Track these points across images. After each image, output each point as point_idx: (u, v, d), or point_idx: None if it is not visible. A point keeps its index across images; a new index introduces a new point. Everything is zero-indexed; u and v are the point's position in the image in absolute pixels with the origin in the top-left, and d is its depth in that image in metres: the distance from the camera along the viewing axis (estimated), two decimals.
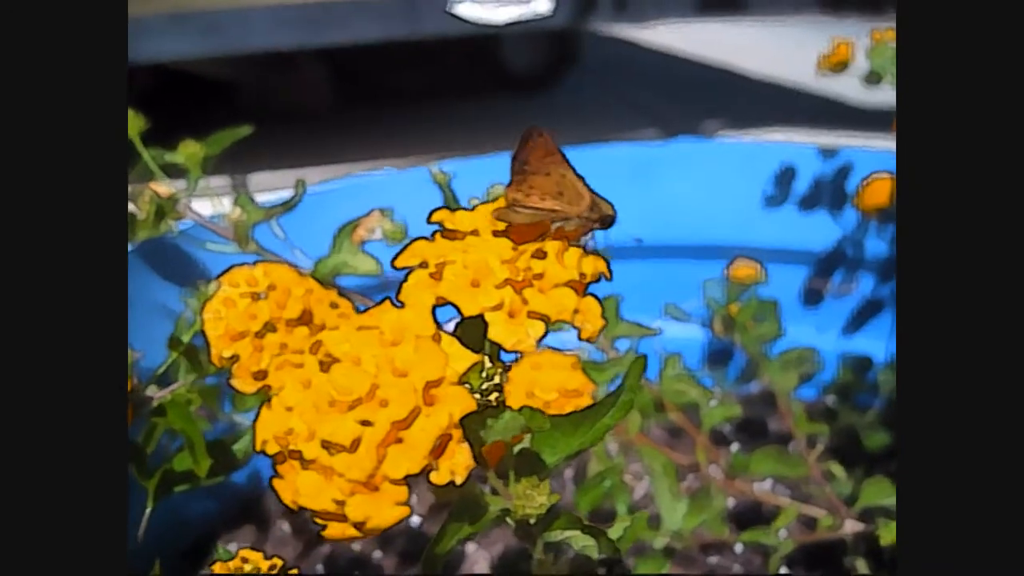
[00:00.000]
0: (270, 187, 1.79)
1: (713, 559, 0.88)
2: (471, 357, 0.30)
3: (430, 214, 0.33)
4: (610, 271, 0.32)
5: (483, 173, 0.80)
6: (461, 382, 0.29)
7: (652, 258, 1.20)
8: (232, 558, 0.37)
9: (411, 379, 0.28)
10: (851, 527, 0.75)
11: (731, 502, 0.96)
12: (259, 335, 0.47)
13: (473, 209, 0.33)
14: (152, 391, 0.56)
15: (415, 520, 0.96)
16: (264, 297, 0.47)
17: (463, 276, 0.30)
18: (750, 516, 0.94)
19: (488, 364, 0.30)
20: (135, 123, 0.72)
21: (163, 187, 0.73)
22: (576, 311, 0.31)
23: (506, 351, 0.31)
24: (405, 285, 0.31)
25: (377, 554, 0.93)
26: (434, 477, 0.28)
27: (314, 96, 2.50)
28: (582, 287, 0.32)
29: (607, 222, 0.34)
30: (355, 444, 0.28)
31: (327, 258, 0.68)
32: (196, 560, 0.91)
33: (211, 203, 0.76)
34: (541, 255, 0.31)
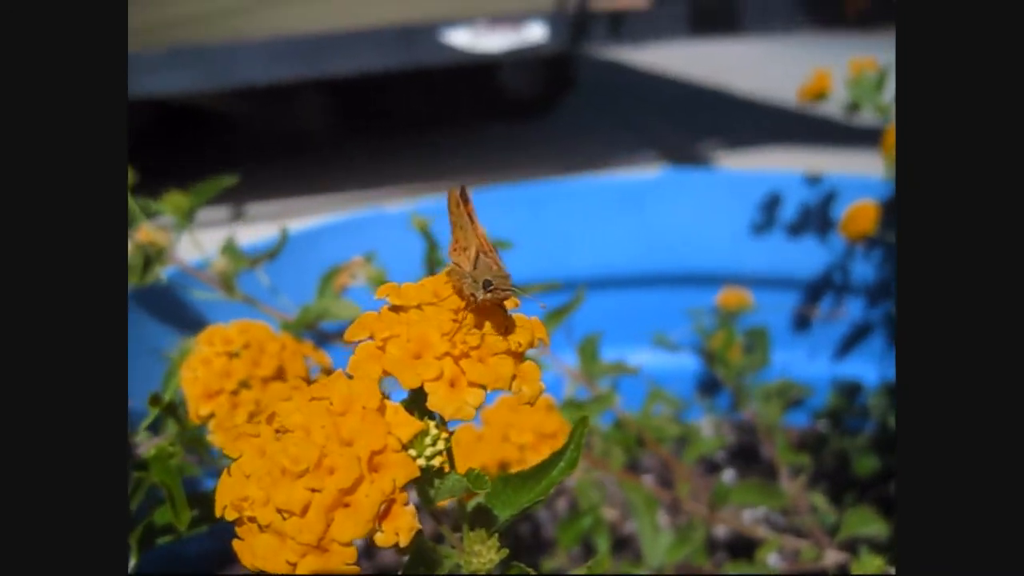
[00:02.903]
0: (269, 217, 1.81)
1: None
2: (416, 425, 0.31)
3: (379, 288, 0.34)
4: (547, 337, 0.34)
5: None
6: (407, 448, 0.31)
7: (642, 287, 1.21)
8: None
9: (356, 448, 0.30)
10: (832, 558, 0.76)
11: (721, 531, 0.97)
12: (235, 393, 0.48)
13: (418, 283, 0.34)
14: (143, 438, 0.58)
15: None
16: (239, 355, 0.49)
17: (406, 349, 0.32)
18: (740, 546, 0.95)
19: (433, 430, 0.32)
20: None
21: (151, 233, 0.75)
22: (514, 377, 0.33)
23: (447, 419, 0.32)
24: (353, 358, 0.33)
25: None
26: (379, 539, 0.30)
27: (311, 126, 2.53)
28: (520, 355, 0.33)
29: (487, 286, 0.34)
30: (305, 509, 0.29)
31: (311, 305, 0.70)
32: None
33: (198, 246, 0.78)
34: (479, 326, 0.33)
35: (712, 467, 1.12)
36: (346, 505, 0.30)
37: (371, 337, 0.33)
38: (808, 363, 1.19)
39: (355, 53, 1.95)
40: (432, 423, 0.32)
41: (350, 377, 0.32)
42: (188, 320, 0.85)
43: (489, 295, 0.33)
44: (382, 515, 0.30)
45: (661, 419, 0.78)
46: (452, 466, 0.32)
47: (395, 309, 0.34)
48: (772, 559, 0.86)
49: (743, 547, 0.94)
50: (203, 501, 0.54)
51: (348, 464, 0.29)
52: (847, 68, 1.07)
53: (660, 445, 0.76)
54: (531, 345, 0.34)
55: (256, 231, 0.78)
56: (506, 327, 0.33)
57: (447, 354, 0.32)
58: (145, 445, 0.57)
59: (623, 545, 0.91)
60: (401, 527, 0.30)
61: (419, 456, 0.31)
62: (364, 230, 0.98)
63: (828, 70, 1.11)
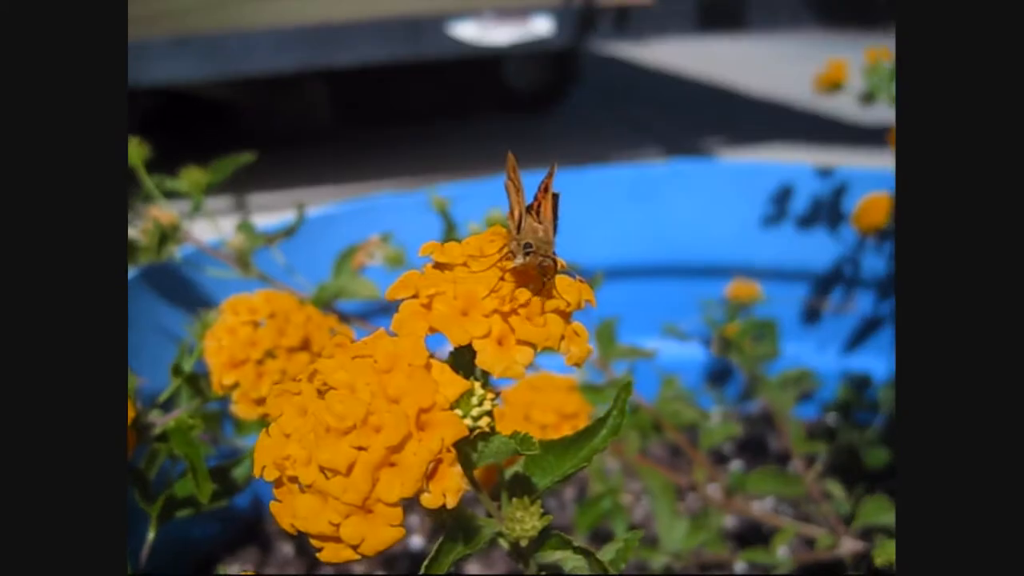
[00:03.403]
0: (272, 207, 1.81)
1: None
2: (462, 384, 0.31)
3: (423, 246, 0.34)
4: (594, 298, 0.33)
5: (483, 197, 0.81)
6: (452, 408, 0.30)
7: (652, 278, 1.21)
8: None
9: (403, 405, 0.29)
10: (849, 546, 0.76)
11: (731, 521, 0.96)
12: (260, 362, 0.48)
13: (463, 241, 0.34)
14: (155, 416, 0.57)
15: (418, 542, 0.96)
16: (264, 325, 0.48)
17: (453, 306, 0.31)
18: (750, 535, 0.94)
19: (479, 390, 0.31)
20: (138, 151, 0.73)
21: (165, 213, 0.74)
22: (563, 338, 0.32)
23: (495, 378, 0.32)
24: (398, 316, 0.32)
25: (380, 574, 0.94)
26: (426, 500, 0.29)
27: (316, 117, 2.52)
28: (568, 314, 0.33)
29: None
30: (350, 468, 0.29)
31: (328, 283, 0.69)
32: None
33: (212, 227, 0.77)
34: (524, 287, 0.32)
35: (720, 458, 1.11)
36: (393, 464, 0.29)
37: (415, 295, 0.32)
38: (817, 356, 1.18)
39: (361, 44, 1.95)
40: (478, 383, 0.31)
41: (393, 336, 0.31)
42: (200, 300, 0.84)
43: (528, 259, 0.33)
44: (429, 475, 0.29)
45: (677, 404, 0.77)
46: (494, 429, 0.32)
47: (439, 267, 0.33)
48: (783, 549, 0.85)
49: (754, 537, 0.94)
50: (222, 476, 0.53)
51: (396, 421, 0.29)
52: (862, 58, 1.07)
53: (676, 430, 0.76)
54: (579, 306, 0.33)
55: (260, 221, 0.78)
56: (550, 290, 0.33)
57: (496, 311, 0.31)
58: (159, 422, 0.57)
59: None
60: (449, 488, 0.29)
61: (465, 416, 0.30)
62: (380, 213, 0.97)
63: (843, 61, 1.11)
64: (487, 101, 2.63)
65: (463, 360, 0.32)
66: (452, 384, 0.30)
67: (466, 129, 2.55)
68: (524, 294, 0.32)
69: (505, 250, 0.33)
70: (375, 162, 2.25)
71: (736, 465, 1.10)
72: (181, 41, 1.84)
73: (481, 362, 0.31)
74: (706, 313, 1.08)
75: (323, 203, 1.01)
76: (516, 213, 0.34)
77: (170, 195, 0.75)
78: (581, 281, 0.34)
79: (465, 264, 0.33)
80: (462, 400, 0.31)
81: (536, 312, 0.32)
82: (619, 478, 0.76)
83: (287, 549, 0.97)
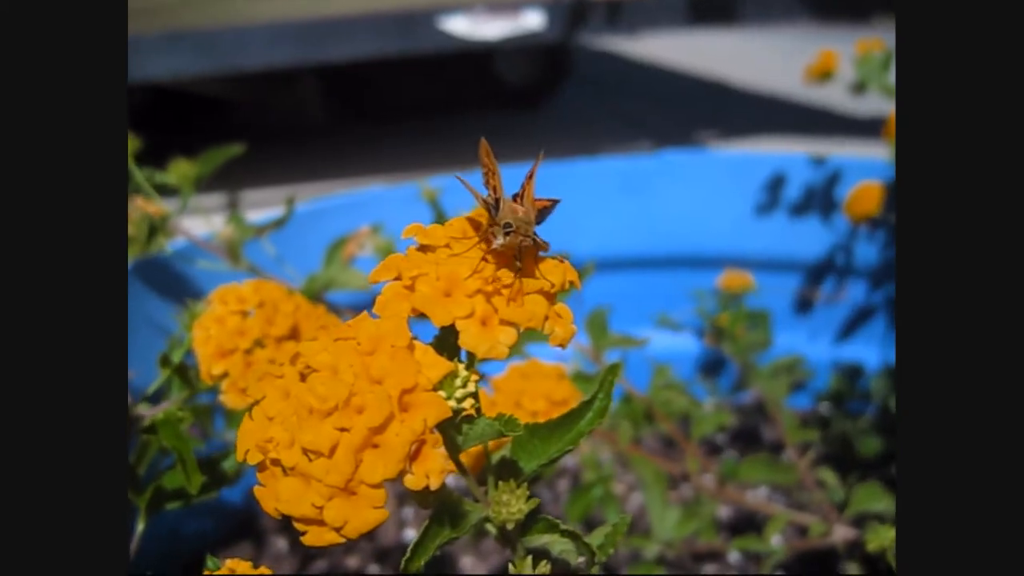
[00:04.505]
0: (265, 203, 1.80)
1: (707, 568, 0.88)
2: (446, 365, 0.31)
3: (405, 229, 0.33)
4: (579, 280, 0.33)
5: (474, 187, 0.81)
6: (436, 390, 0.30)
7: (644, 269, 1.21)
8: (220, 568, 0.38)
9: (386, 386, 0.29)
10: (842, 533, 0.76)
11: (725, 511, 0.96)
12: (248, 352, 0.48)
13: (446, 223, 0.34)
14: (144, 409, 0.57)
15: (412, 535, 0.96)
16: (253, 314, 0.48)
17: (436, 287, 0.31)
18: (744, 524, 0.94)
19: (463, 372, 0.31)
20: (129, 144, 0.73)
21: (154, 205, 0.74)
22: (547, 318, 0.32)
23: (479, 359, 0.31)
24: (380, 298, 0.32)
25: (374, 569, 0.94)
26: (409, 481, 0.29)
27: (309, 113, 2.51)
28: (552, 295, 0.33)
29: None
30: (333, 450, 0.29)
31: (318, 274, 0.69)
32: None
33: (203, 220, 0.77)
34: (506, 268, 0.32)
35: (713, 448, 1.11)
36: (375, 446, 0.29)
37: (398, 277, 0.32)
38: (810, 345, 1.18)
39: (353, 39, 1.95)
40: (461, 365, 0.31)
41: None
42: (190, 293, 0.84)
43: (508, 239, 0.33)
44: (412, 456, 0.29)
45: (669, 392, 0.77)
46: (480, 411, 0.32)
47: (423, 249, 0.33)
48: (776, 538, 0.85)
49: (747, 527, 0.94)
50: (211, 468, 0.53)
51: (378, 402, 0.29)
52: (853, 50, 1.07)
53: (668, 419, 0.76)
54: (563, 287, 0.33)
55: (253, 218, 0.77)
56: (533, 271, 0.33)
57: (479, 292, 0.31)
58: (147, 414, 0.57)
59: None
60: (432, 469, 0.29)
61: (449, 398, 0.30)
62: (370, 205, 0.97)
63: (833, 51, 1.11)
64: (479, 96, 2.62)
65: (447, 342, 0.32)
66: (435, 365, 0.30)
67: (459, 124, 2.55)
68: (507, 275, 0.31)
69: (486, 232, 0.33)
70: (368, 157, 2.24)
71: (730, 455, 1.10)
72: (175, 36, 1.83)
73: (464, 342, 0.31)
74: (699, 304, 1.08)
75: (315, 198, 1.01)
76: (492, 195, 0.34)
77: (162, 190, 0.75)
78: (564, 262, 0.34)
79: (448, 246, 0.33)
80: (445, 381, 0.30)
81: (519, 292, 0.32)
82: (611, 467, 0.76)
83: (281, 544, 0.97)
